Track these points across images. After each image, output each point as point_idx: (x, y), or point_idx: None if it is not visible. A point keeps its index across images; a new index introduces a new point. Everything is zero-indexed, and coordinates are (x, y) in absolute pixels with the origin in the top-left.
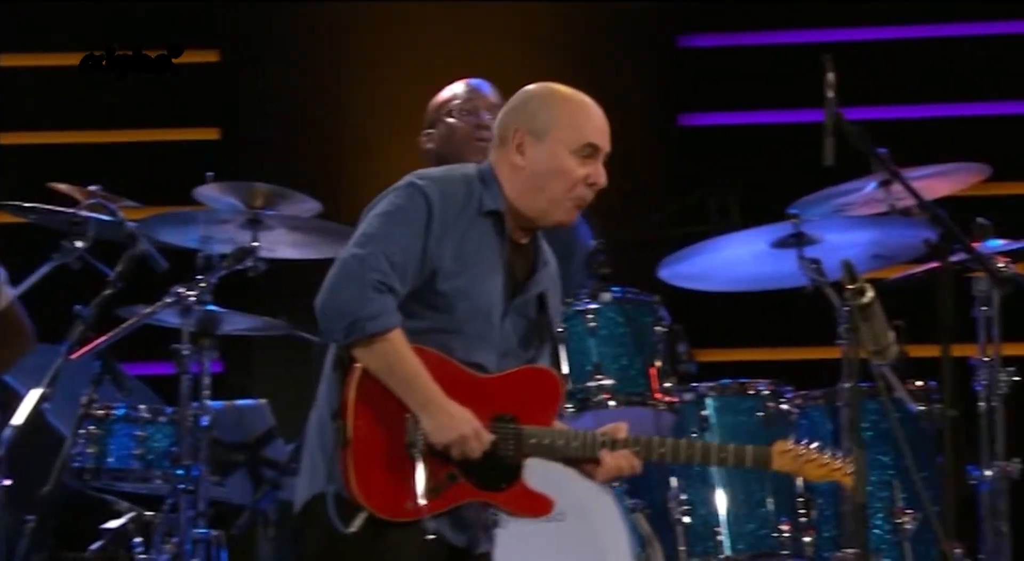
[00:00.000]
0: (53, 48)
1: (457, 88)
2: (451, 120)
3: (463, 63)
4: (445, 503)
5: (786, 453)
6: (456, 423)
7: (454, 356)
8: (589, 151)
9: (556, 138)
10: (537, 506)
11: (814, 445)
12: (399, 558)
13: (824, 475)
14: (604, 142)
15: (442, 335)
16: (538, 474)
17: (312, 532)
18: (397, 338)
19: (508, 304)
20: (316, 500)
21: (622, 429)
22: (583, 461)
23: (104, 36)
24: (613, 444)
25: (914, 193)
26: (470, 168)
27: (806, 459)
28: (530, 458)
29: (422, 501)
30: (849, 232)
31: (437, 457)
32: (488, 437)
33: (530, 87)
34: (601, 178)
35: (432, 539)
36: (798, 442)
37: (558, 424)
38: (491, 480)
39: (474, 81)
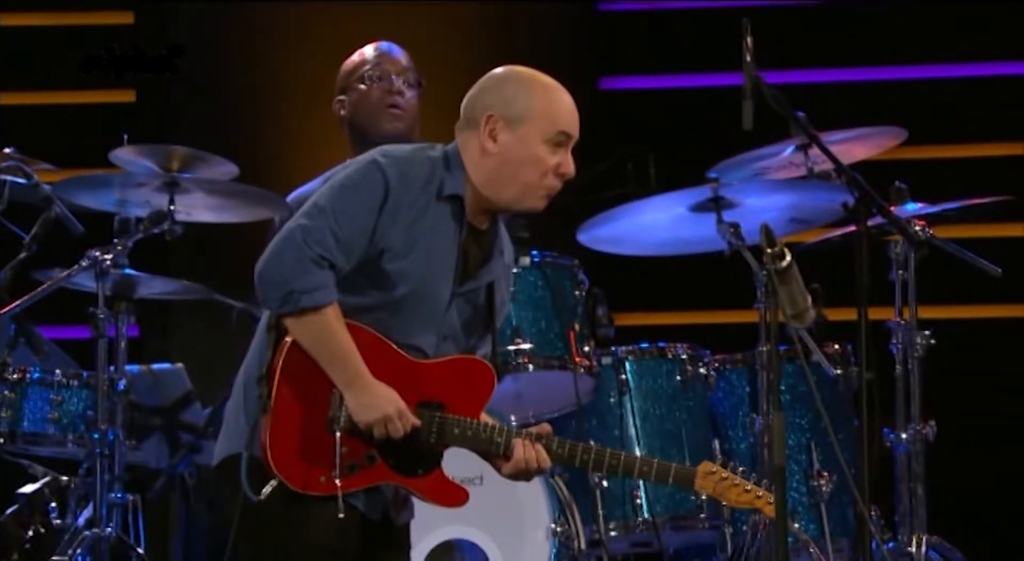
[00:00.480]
0: None
1: (367, 52)
2: (362, 86)
3: (382, 22)
4: (360, 483)
5: (710, 475)
6: (380, 402)
7: (391, 336)
8: (561, 139)
9: (531, 127)
10: (452, 496)
11: (740, 470)
12: (310, 530)
13: (746, 502)
14: (575, 130)
15: (382, 313)
16: None
17: (227, 490)
18: (330, 314)
19: (456, 290)
20: (232, 460)
21: (547, 428)
22: (499, 456)
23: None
24: (537, 437)
25: (832, 157)
26: (436, 150)
27: (730, 483)
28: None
29: (336, 478)
30: (767, 196)
31: (358, 436)
32: (411, 420)
33: (502, 71)
34: (570, 167)
35: (342, 517)
36: (724, 466)
37: (484, 417)
38: (409, 465)
39: (384, 45)
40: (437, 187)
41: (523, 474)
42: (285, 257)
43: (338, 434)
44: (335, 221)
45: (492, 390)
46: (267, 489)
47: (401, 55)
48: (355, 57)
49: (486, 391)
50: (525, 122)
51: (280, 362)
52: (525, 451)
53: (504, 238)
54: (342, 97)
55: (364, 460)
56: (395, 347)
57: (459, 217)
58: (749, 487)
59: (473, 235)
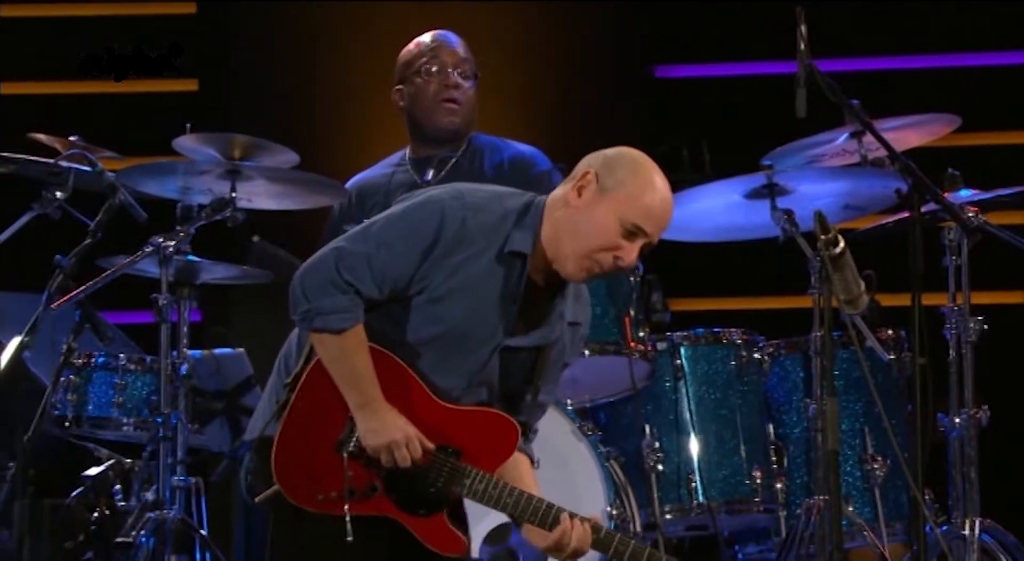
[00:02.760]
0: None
1: (424, 42)
2: (419, 80)
3: (439, 8)
4: (356, 510)
5: None
6: (388, 429)
7: (417, 371)
8: (634, 230)
9: (616, 199)
10: (449, 544)
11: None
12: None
13: None
14: (654, 232)
15: (415, 347)
16: None
17: (261, 474)
18: (349, 337)
19: (503, 343)
20: (264, 442)
21: (598, 519)
22: (516, 520)
23: None
24: (583, 520)
25: (885, 144)
26: (516, 200)
27: None
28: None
29: (335, 496)
30: (821, 183)
31: (364, 464)
32: (418, 452)
33: (627, 148)
34: (629, 259)
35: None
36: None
37: (496, 478)
38: (412, 504)
39: (442, 34)
40: (502, 242)
41: (561, 553)
42: (315, 275)
43: (345, 458)
44: (376, 251)
45: (513, 449)
46: (268, 493)
47: (458, 45)
48: (412, 46)
49: (507, 450)
50: (613, 192)
51: (306, 373)
52: (575, 529)
53: (572, 309)
54: (400, 87)
55: (366, 489)
56: (422, 384)
57: (519, 272)
58: None
59: (533, 293)
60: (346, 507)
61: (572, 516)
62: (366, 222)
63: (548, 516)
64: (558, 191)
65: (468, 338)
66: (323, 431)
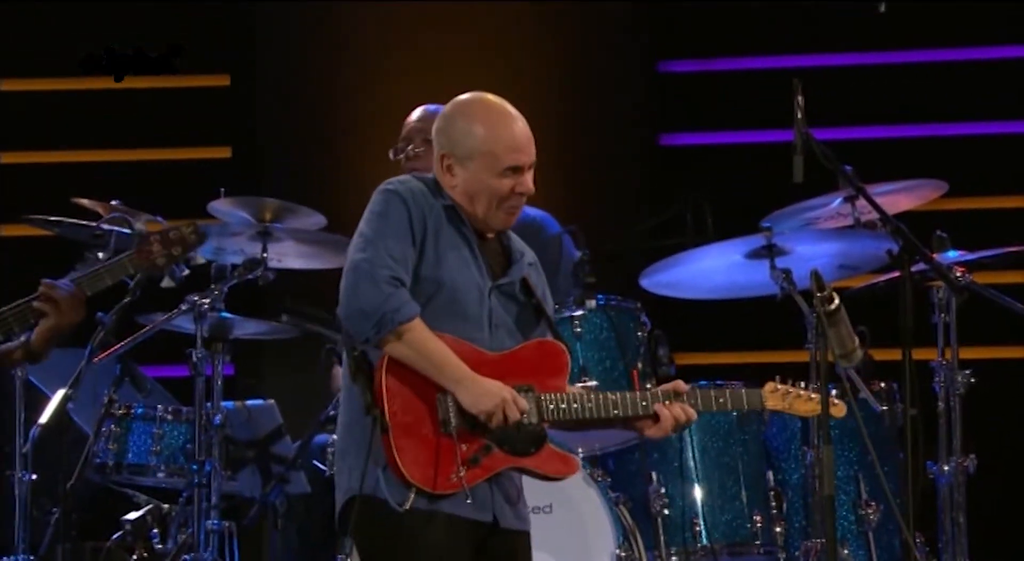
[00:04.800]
0: (76, 73)
1: (413, 117)
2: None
3: (457, 81)
4: (484, 472)
5: (775, 392)
6: (493, 390)
7: (446, 334)
8: (512, 169)
9: (479, 163)
10: (566, 465)
11: (800, 384)
12: (432, 532)
13: (811, 409)
14: (525, 159)
15: (436, 315)
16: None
17: (359, 531)
18: (420, 325)
19: (490, 288)
20: (350, 503)
21: (683, 385)
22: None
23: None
24: (676, 396)
25: (877, 208)
26: (425, 176)
27: (795, 396)
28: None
29: (463, 471)
30: (817, 244)
31: (469, 431)
32: (523, 402)
33: (453, 107)
34: (527, 186)
35: (457, 518)
36: (784, 382)
37: (569, 388)
38: (521, 447)
39: (431, 108)
40: (439, 202)
41: (674, 430)
42: (362, 289)
43: (453, 433)
44: (384, 244)
45: (568, 364)
46: (411, 498)
47: (418, 120)
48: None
49: (564, 366)
50: (472, 160)
51: (383, 387)
52: (672, 410)
53: (518, 241)
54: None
55: (482, 451)
56: (470, 345)
57: (466, 226)
58: (813, 396)
59: (484, 242)
60: (464, 472)
61: (661, 396)
62: (354, 239)
63: (639, 403)
64: (437, 173)
65: (462, 289)
66: (424, 422)
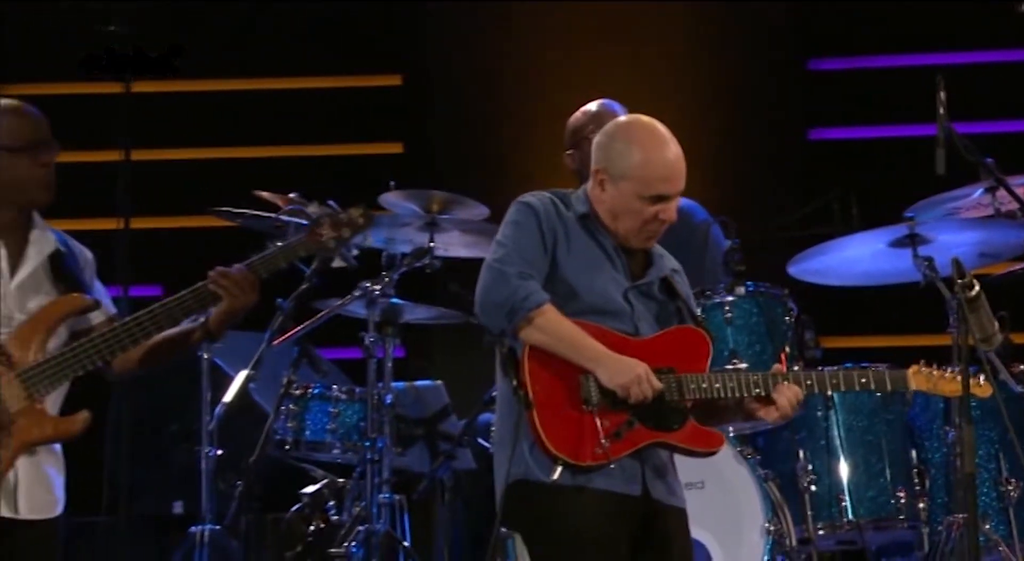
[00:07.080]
0: (262, 74)
1: (591, 109)
2: (586, 145)
3: (617, 79)
4: (628, 446)
5: (919, 374)
6: (630, 365)
7: (589, 323)
8: (659, 197)
9: (629, 185)
10: (711, 440)
11: (944, 367)
12: (583, 508)
13: (956, 390)
14: (673, 188)
15: (572, 314)
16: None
17: (515, 515)
18: (552, 310)
19: (628, 288)
20: (507, 490)
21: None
22: (740, 404)
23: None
24: (784, 377)
25: (1017, 198)
26: (561, 190)
27: (940, 377)
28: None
29: (607, 443)
30: (959, 233)
31: (612, 408)
32: (657, 381)
33: (615, 126)
34: (670, 215)
35: (607, 492)
36: (928, 365)
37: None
38: (664, 422)
39: (607, 103)
40: (570, 212)
41: (791, 414)
42: (493, 285)
43: (595, 410)
44: (516, 246)
45: (709, 349)
46: (558, 470)
47: (622, 112)
48: (580, 114)
49: (705, 351)
50: (624, 180)
51: (526, 371)
52: (788, 394)
53: (660, 249)
54: (571, 152)
55: (625, 426)
56: (612, 330)
57: (601, 233)
58: (958, 377)
59: (623, 248)
60: (608, 445)
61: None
62: (492, 246)
63: (766, 382)
64: (590, 186)
65: (600, 292)
66: (567, 400)
